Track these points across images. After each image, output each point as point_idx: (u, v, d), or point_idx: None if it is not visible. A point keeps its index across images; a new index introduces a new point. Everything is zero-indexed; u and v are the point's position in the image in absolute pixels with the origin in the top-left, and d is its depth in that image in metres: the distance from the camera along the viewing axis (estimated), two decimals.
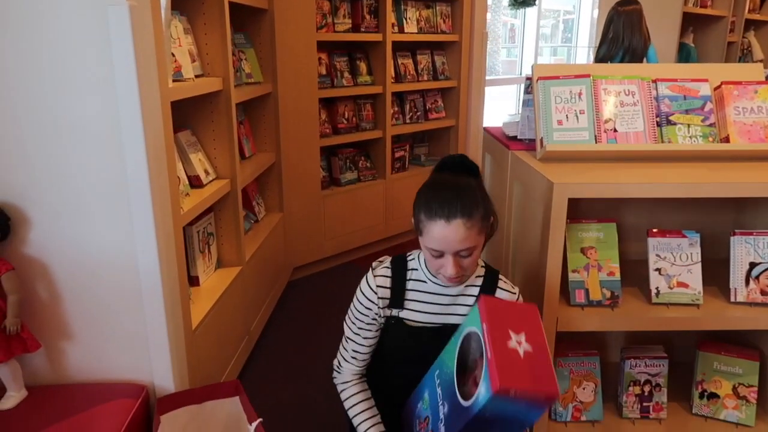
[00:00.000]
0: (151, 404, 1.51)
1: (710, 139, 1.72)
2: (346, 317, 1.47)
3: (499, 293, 1.39)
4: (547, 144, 1.70)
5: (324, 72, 3.14)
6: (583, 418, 1.78)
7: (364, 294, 1.40)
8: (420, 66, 3.70)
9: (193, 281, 1.97)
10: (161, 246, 1.42)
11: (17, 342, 1.37)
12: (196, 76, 1.92)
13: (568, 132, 1.72)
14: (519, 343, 1.11)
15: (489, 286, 1.40)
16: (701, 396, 1.81)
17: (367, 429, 1.39)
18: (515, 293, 1.41)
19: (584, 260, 1.66)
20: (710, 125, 1.73)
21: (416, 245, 1.37)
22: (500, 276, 1.41)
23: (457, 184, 1.28)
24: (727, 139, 1.70)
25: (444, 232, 1.24)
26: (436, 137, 4.04)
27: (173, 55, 1.75)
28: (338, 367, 1.49)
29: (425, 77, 3.72)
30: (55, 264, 1.43)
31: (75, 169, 1.37)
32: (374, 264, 1.43)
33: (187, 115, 2.04)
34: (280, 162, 2.85)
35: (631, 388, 1.80)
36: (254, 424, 1.38)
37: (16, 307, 1.35)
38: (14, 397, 1.41)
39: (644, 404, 1.80)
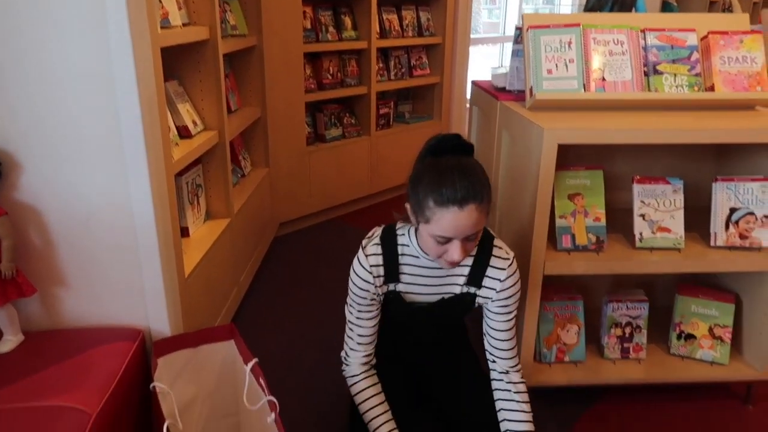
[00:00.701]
0: (147, 348, 1.53)
1: (695, 88, 1.75)
2: (346, 303, 1.46)
3: (493, 261, 1.38)
4: (537, 93, 1.71)
5: (309, 26, 3.10)
6: (567, 359, 1.86)
7: (358, 275, 1.39)
8: (405, 22, 3.66)
9: (183, 232, 1.97)
10: (155, 192, 1.42)
11: (12, 286, 1.37)
12: (183, 25, 1.88)
13: (558, 81, 1.74)
14: None
15: (484, 255, 1.38)
16: (679, 337, 1.90)
17: (379, 426, 1.38)
18: (509, 258, 1.39)
19: (571, 206, 1.70)
20: (696, 75, 1.76)
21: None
22: (495, 242, 1.40)
23: (463, 166, 1.23)
24: (712, 88, 1.73)
25: (458, 219, 1.20)
26: (420, 95, 4.02)
27: (160, 1, 1.72)
28: (346, 358, 1.49)
29: (410, 33, 3.69)
30: (49, 211, 1.42)
31: (67, 114, 1.34)
32: (364, 242, 1.41)
33: (173, 66, 2.00)
34: (266, 117, 2.83)
35: (612, 330, 1.87)
36: (250, 364, 1.41)
37: (11, 251, 1.35)
38: (11, 341, 1.42)
39: (625, 345, 1.87)
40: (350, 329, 1.46)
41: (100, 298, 1.50)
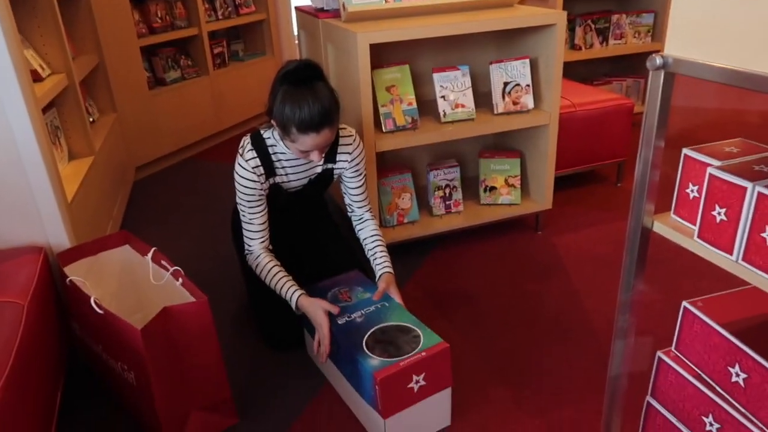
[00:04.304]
0: (51, 262, 1.74)
1: None
2: (237, 206, 1.76)
3: (341, 141, 1.77)
4: (349, 7, 2.09)
5: None
6: (405, 221, 2.35)
7: (244, 178, 1.69)
8: None
9: None
10: (34, 123, 1.61)
11: None
12: None
13: None
14: (417, 382, 1.45)
15: (333, 141, 1.74)
16: (485, 190, 2.47)
17: (287, 285, 1.71)
18: (353, 134, 1.80)
19: (389, 96, 2.14)
20: None
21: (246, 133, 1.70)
22: (339, 126, 1.75)
23: (317, 95, 1.53)
24: None
25: (315, 140, 1.57)
26: (250, 32, 4.23)
27: None
28: (249, 248, 1.79)
29: None
30: None
31: None
32: (239, 150, 1.71)
33: None
34: (104, 64, 2.92)
35: (436, 192, 2.39)
36: (151, 252, 1.69)
37: None
38: None
39: (447, 203, 2.41)
40: (246, 224, 1.77)
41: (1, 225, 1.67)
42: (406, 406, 1.47)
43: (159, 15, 3.39)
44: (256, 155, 1.69)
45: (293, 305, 1.70)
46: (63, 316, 1.75)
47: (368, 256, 1.85)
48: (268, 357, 1.86)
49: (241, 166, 1.69)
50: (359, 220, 1.90)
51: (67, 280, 1.57)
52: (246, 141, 1.72)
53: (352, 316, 1.64)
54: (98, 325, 1.52)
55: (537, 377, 1.72)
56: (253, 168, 1.69)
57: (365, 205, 1.90)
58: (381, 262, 1.80)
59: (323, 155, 1.66)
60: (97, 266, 1.79)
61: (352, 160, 1.80)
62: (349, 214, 1.92)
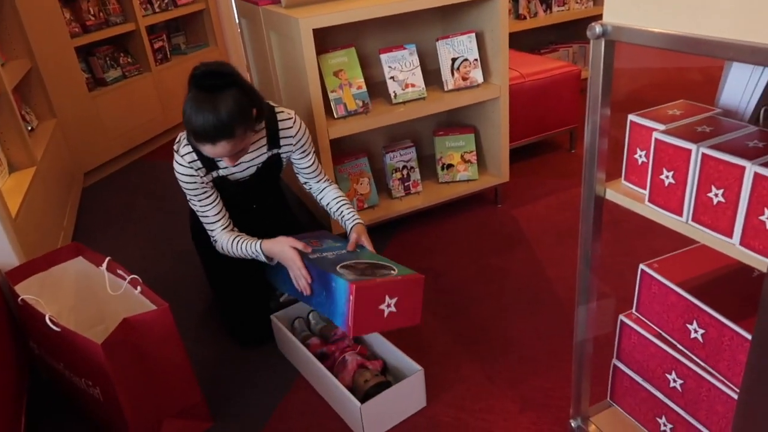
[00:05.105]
0: (0, 282, 1.66)
1: None
2: (188, 202, 1.73)
3: (281, 125, 1.73)
4: None
5: None
6: (366, 206, 2.33)
7: (183, 174, 1.65)
8: None
9: None
10: None
11: None
12: None
13: None
14: (388, 305, 1.46)
15: (272, 122, 1.72)
16: (442, 168, 2.47)
17: (248, 243, 1.69)
18: (291, 116, 1.76)
19: (337, 81, 2.11)
20: None
21: None
22: (276, 110, 1.73)
23: (215, 104, 1.44)
24: None
25: (213, 151, 1.52)
26: (191, 24, 4.10)
27: None
28: (213, 238, 1.76)
29: None
30: None
31: None
32: (175, 147, 1.66)
33: None
34: (37, 67, 2.79)
35: (394, 175, 2.38)
36: (105, 262, 1.64)
37: None
38: None
39: (405, 184, 2.40)
40: (202, 216, 1.74)
41: None
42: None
43: (92, 12, 3.25)
44: (191, 150, 1.65)
45: (260, 253, 1.68)
46: (19, 336, 1.68)
47: (336, 218, 1.85)
48: (239, 354, 1.83)
49: (177, 162, 1.65)
50: (319, 191, 1.89)
51: (19, 299, 1.51)
52: (182, 136, 1.68)
53: (324, 254, 1.63)
54: (57, 343, 1.46)
55: (507, 350, 1.74)
56: (189, 163, 1.65)
57: (322, 178, 1.88)
58: (350, 216, 1.80)
59: (236, 162, 1.62)
60: (50, 281, 1.73)
61: (296, 143, 1.77)
62: (308, 189, 1.91)
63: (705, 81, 3.64)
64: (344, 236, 1.81)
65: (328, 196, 1.87)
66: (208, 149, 1.51)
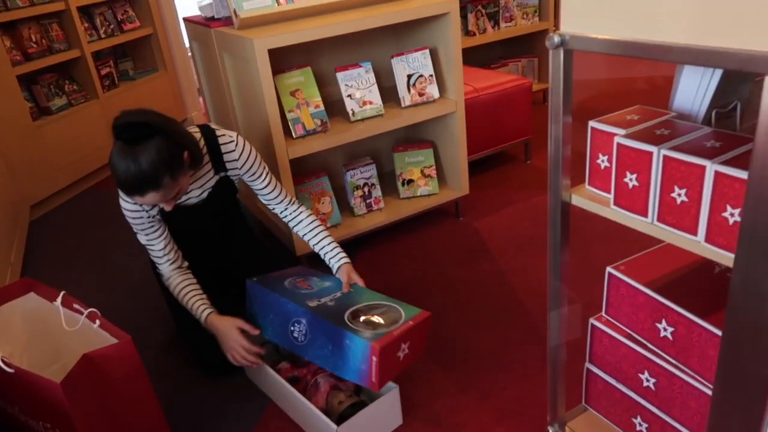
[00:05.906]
0: None
1: None
2: (135, 235, 1.69)
3: (223, 148, 1.68)
4: (240, 13, 2.03)
5: None
6: (328, 225, 2.31)
7: (127, 209, 1.62)
8: None
9: None
10: None
11: None
12: None
13: (255, 1, 2.07)
14: (403, 350, 1.45)
15: (213, 147, 1.67)
16: (403, 184, 2.48)
17: (196, 303, 1.67)
18: (233, 139, 1.70)
19: (294, 101, 2.10)
20: None
21: None
22: (217, 133, 1.68)
23: (138, 160, 1.39)
24: None
25: (144, 201, 1.49)
26: (138, 49, 4.02)
27: None
28: (159, 271, 1.73)
29: None
30: None
31: None
32: None
33: None
34: None
35: (355, 192, 2.37)
36: (59, 297, 1.56)
37: None
38: None
39: (367, 201, 2.39)
40: (149, 249, 1.71)
41: None
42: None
43: (33, 39, 3.15)
44: None
45: (204, 323, 1.66)
46: None
47: (317, 252, 1.81)
48: (207, 385, 1.77)
49: (122, 198, 1.61)
50: (291, 219, 1.84)
51: None
52: None
53: (323, 300, 1.59)
54: (11, 385, 1.38)
55: (479, 361, 1.74)
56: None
57: (285, 200, 1.83)
58: (334, 254, 1.77)
59: (173, 205, 1.57)
60: (1, 320, 1.64)
61: (242, 165, 1.73)
62: (282, 218, 1.86)
63: (651, 89, 3.79)
64: (323, 264, 1.80)
65: (303, 225, 1.82)
66: (138, 200, 1.49)
